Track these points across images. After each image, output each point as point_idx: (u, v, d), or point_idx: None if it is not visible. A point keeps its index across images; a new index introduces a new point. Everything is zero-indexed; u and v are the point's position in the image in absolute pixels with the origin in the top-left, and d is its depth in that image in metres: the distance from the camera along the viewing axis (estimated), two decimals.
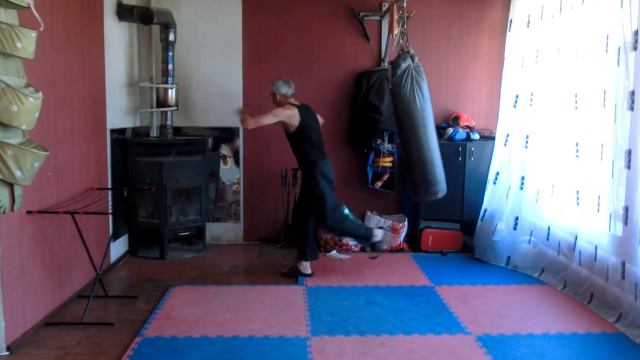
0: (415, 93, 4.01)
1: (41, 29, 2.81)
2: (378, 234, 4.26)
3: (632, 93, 3.20)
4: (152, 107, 4.97)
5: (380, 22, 5.15)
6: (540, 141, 4.27)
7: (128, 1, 4.65)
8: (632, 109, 3.21)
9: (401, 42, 4.20)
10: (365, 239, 4.31)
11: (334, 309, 3.56)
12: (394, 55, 4.25)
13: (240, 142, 5.21)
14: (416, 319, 3.40)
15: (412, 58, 4.05)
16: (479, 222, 4.76)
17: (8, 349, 2.84)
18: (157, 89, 4.87)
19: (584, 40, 3.76)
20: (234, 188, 5.27)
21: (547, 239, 4.20)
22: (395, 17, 4.42)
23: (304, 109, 4.11)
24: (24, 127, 2.72)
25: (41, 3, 2.98)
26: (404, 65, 4.00)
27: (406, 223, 5.04)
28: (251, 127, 4.05)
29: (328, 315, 3.45)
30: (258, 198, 5.29)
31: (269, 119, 4.00)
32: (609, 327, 3.29)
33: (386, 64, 5.04)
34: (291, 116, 4.02)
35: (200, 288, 3.94)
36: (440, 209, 4.90)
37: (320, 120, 4.31)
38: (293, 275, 4.21)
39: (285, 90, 4.13)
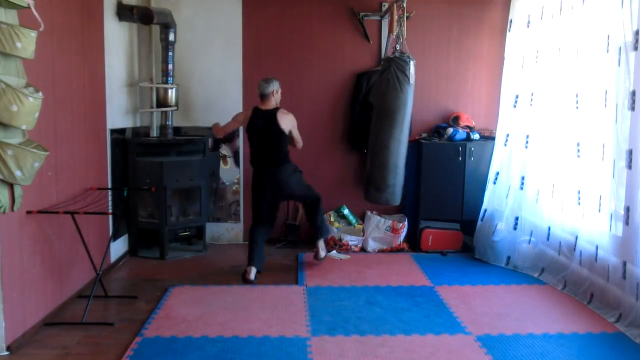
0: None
1: (41, 29, 2.81)
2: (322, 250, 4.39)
3: (633, 93, 3.20)
4: (152, 107, 4.97)
5: (380, 22, 5.14)
6: (541, 141, 4.27)
7: (128, 1, 4.64)
8: (633, 109, 3.21)
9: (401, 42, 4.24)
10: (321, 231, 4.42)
11: (334, 309, 3.56)
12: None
13: (240, 142, 5.21)
14: (416, 319, 3.40)
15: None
16: (479, 222, 4.76)
17: (8, 349, 2.84)
18: (157, 89, 4.86)
19: (584, 40, 3.76)
20: (234, 188, 5.27)
21: (548, 239, 4.20)
22: (395, 17, 4.42)
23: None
24: (24, 127, 2.72)
25: (41, 3, 2.98)
26: (412, 70, 4.06)
27: (406, 223, 5.04)
28: None
29: (328, 315, 3.45)
30: None
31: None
32: (609, 327, 3.29)
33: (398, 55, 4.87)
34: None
35: (200, 288, 3.94)
36: (440, 209, 4.90)
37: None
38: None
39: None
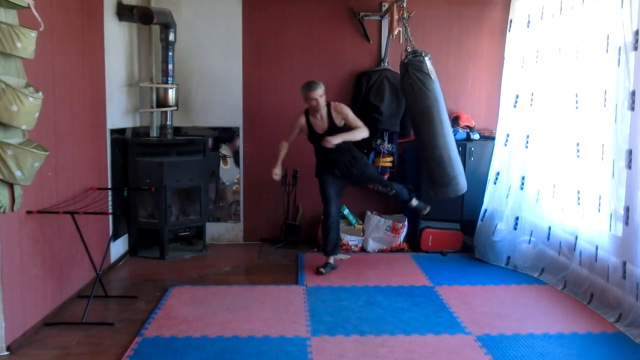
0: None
1: (41, 29, 2.81)
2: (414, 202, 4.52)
3: (633, 93, 3.20)
4: (152, 107, 4.97)
5: (380, 22, 5.14)
6: (541, 141, 4.27)
7: (128, 1, 4.64)
8: (632, 109, 3.21)
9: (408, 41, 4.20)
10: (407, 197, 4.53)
11: (334, 309, 3.56)
12: (393, 55, 4.26)
13: (240, 142, 5.21)
14: (416, 319, 3.40)
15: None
16: (479, 222, 4.76)
17: (8, 349, 2.84)
18: (157, 89, 4.86)
19: (584, 40, 3.76)
20: (234, 188, 5.27)
21: (548, 239, 4.20)
22: (396, 17, 4.41)
23: None
24: (24, 127, 2.72)
25: (41, 3, 2.98)
26: (429, 66, 4.01)
27: (406, 223, 5.04)
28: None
29: (328, 315, 3.45)
30: (258, 198, 5.28)
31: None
32: (609, 327, 3.29)
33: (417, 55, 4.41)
34: None
35: (200, 288, 3.94)
36: (440, 209, 4.89)
37: None
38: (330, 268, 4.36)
39: None
